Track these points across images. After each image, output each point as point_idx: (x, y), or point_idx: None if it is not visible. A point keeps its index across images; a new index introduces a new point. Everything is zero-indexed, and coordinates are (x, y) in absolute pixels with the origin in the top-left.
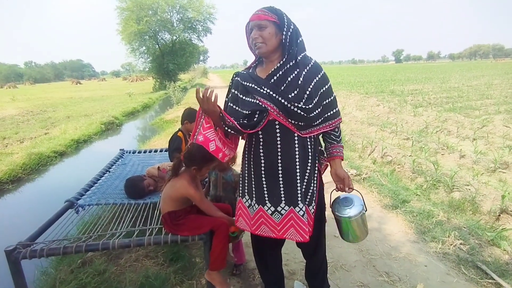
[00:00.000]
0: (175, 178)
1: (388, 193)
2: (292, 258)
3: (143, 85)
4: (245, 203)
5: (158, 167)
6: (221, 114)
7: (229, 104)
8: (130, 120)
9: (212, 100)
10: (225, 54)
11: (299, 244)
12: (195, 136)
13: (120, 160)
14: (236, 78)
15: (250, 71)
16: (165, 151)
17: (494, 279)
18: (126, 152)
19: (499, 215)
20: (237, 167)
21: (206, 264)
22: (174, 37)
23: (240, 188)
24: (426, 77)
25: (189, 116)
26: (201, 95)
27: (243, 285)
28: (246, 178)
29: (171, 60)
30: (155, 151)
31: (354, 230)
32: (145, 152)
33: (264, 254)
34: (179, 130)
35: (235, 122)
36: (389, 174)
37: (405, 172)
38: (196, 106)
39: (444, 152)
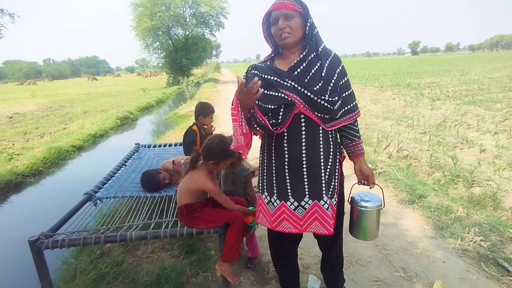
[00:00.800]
0: (193, 171)
1: (405, 188)
2: (307, 252)
3: (157, 80)
4: (264, 199)
5: (173, 160)
6: (252, 111)
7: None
8: (145, 115)
9: (256, 94)
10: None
11: (316, 236)
12: (242, 127)
13: (135, 154)
14: (253, 71)
15: (268, 63)
16: (179, 145)
17: None
18: (142, 146)
19: None
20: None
21: (220, 256)
22: (187, 32)
23: (260, 185)
24: (444, 70)
25: (201, 110)
26: (247, 86)
27: (258, 278)
28: (266, 174)
29: (184, 55)
30: (170, 145)
31: (366, 224)
32: (159, 146)
33: (281, 249)
34: (194, 124)
35: (267, 121)
36: (405, 169)
37: (422, 166)
38: (207, 100)
39: (463, 147)
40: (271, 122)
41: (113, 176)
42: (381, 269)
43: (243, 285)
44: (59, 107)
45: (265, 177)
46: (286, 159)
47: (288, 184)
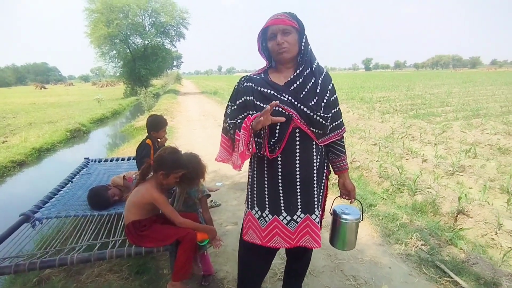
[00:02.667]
0: (141, 184)
1: (356, 198)
2: None
3: (113, 90)
4: (254, 214)
5: (124, 176)
6: (257, 139)
7: (247, 112)
8: (99, 127)
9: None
10: (200, 60)
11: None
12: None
13: (84, 169)
14: (247, 84)
15: (263, 76)
16: (132, 159)
17: (451, 277)
18: (91, 161)
19: (457, 216)
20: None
21: (171, 275)
22: (146, 42)
23: (250, 200)
24: (393, 85)
25: (152, 124)
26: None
27: None
28: (256, 188)
29: (143, 65)
30: (122, 159)
31: (346, 235)
32: (111, 160)
33: (258, 263)
34: (147, 137)
35: (267, 147)
36: (358, 179)
37: (373, 176)
38: (166, 112)
39: (408, 157)
40: (272, 140)
41: (57, 194)
42: (333, 279)
43: None
44: None
45: (255, 192)
46: (280, 173)
47: (282, 198)
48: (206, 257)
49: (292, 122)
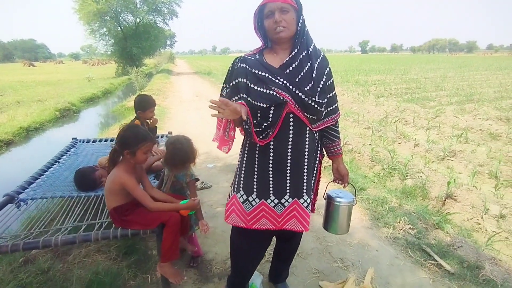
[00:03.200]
0: (113, 170)
1: (350, 182)
2: None
3: (105, 69)
4: (239, 198)
5: (111, 153)
6: (246, 126)
7: (239, 94)
8: (89, 107)
9: (228, 106)
10: (194, 40)
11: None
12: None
13: (72, 149)
14: (241, 65)
15: (258, 57)
16: None
17: (436, 260)
18: (80, 141)
19: (445, 200)
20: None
21: (159, 257)
22: (138, 19)
23: (236, 183)
24: (389, 68)
25: (139, 105)
26: (217, 111)
27: (200, 276)
28: (244, 172)
29: (135, 43)
30: (112, 140)
31: (339, 218)
32: (100, 141)
33: (255, 247)
34: (135, 118)
35: (255, 136)
36: (349, 163)
37: (365, 160)
38: (159, 92)
39: (400, 141)
40: (265, 124)
41: (43, 175)
42: (321, 261)
43: (185, 284)
44: None
45: (242, 176)
46: (271, 157)
47: (271, 181)
48: (194, 238)
49: (286, 107)
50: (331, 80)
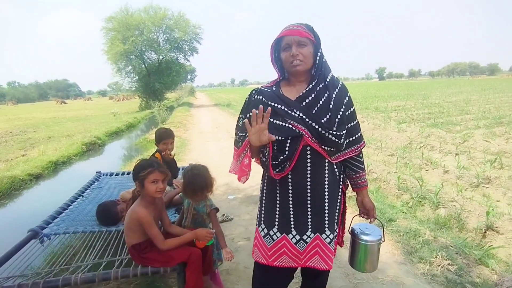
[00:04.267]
0: (132, 206)
1: (377, 217)
2: None
3: (129, 104)
4: (260, 232)
5: (133, 191)
6: (264, 159)
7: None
8: (114, 140)
9: (264, 121)
10: (213, 73)
11: None
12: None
13: (95, 183)
14: (258, 97)
15: (274, 89)
16: None
17: None
18: (103, 175)
19: (485, 232)
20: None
21: None
22: (161, 57)
23: (258, 216)
24: (408, 94)
25: (156, 137)
26: (252, 122)
27: None
28: (265, 205)
29: (158, 79)
30: None
31: (366, 257)
32: (123, 174)
33: (273, 285)
34: (157, 151)
35: (272, 169)
36: (375, 192)
37: (391, 189)
38: (180, 125)
39: (428, 168)
40: (281, 158)
41: (66, 209)
42: None
43: None
44: (21, 132)
45: (263, 208)
46: (290, 191)
47: (292, 216)
48: (217, 275)
49: (303, 140)
50: (351, 109)
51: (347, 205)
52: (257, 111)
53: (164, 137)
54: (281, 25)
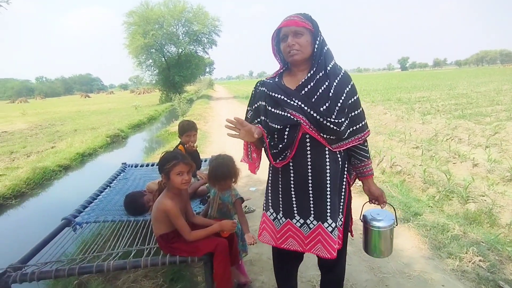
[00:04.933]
0: (159, 197)
1: (399, 206)
2: (300, 276)
3: (150, 97)
4: (269, 216)
5: (159, 181)
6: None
7: (260, 117)
8: (136, 133)
9: (243, 126)
10: (231, 66)
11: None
12: (248, 157)
13: (121, 174)
14: (261, 88)
15: (277, 80)
16: None
17: None
18: (128, 166)
19: None
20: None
21: (207, 286)
22: (180, 50)
23: (265, 202)
24: (433, 84)
25: (179, 129)
26: (232, 131)
27: None
28: (270, 191)
29: (177, 72)
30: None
31: (380, 243)
32: (147, 165)
33: (285, 266)
34: (180, 143)
35: (271, 157)
36: (399, 185)
37: (416, 182)
38: (199, 117)
39: (456, 161)
40: (280, 146)
41: (96, 199)
42: None
43: None
44: (49, 125)
45: (270, 195)
46: (292, 179)
47: (294, 201)
48: (241, 265)
49: (301, 129)
50: (354, 98)
51: (360, 193)
52: (229, 124)
53: (187, 129)
54: (296, 9)
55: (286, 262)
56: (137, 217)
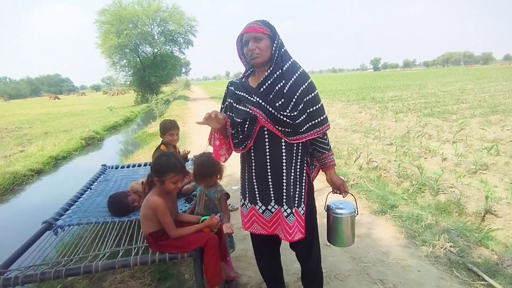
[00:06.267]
0: (147, 195)
1: (377, 199)
2: (286, 269)
3: (124, 98)
4: (240, 201)
5: (142, 182)
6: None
7: (228, 112)
8: (112, 135)
9: (213, 116)
10: (208, 66)
11: (293, 247)
12: (211, 141)
13: (102, 176)
14: (230, 88)
15: (243, 80)
16: (149, 165)
17: (486, 280)
18: (108, 168)
19: (484, 216)
20: (225, 185)
21: (197, 282)
22: (155, 50)
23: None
24: (404, 84)
25: (160, 129)
26: (205, 120)
27: None
28: (241, 180)
29: (153, 72)
30: (139, 165)
31: (343, 230)
32: (128, 167)
33: (263, 250)
34: (162, 143)
35: (231, 141)
36: (376, 180)
37: (391, 177)
38: (177, 118)
39: (427, 156)
40: (240, 137)
41: (77, 201)
42: (360, 283)
43: None
44: (16, 128)
45: (240, 183)
46: (253, 168)
47: (256, 189)
48: (229, 261)
49: (259, 122)
50: (312, 94)
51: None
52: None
53: (170, 128)
54: (273, 18)
55: (263, 246)
56: (122, 217)
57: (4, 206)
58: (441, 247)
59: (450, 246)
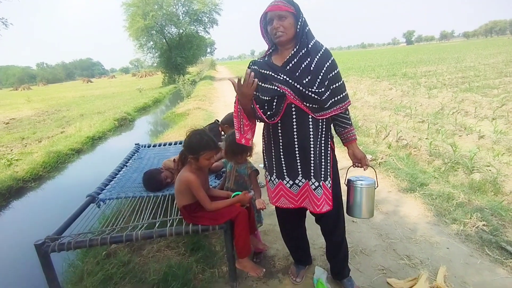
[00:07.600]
0: (181, 171)
1: (405, 177)
2: (312, 244)
3: (152, 80)
4: (266, 177)
5: (174, 159)
6: (252, 106)
7: (255, 92)
8: (142, 115)
9: (254, 85)
10: (232, 45)
11: (318, 221)
12: (241, 139)
13: (136, 154)
14: (253, 67)
15: (266, 59)
16: (179, 143)
17: None
18: (141, 146)
19: None
20: (253, 163)
21: (228, 252)
22: (181, 31)
23: (264, 166)
24: (440, 58)
25: (229, 121)
26: (241, 81)
27: (264, 272)
28: (266, 156)
29: (179, 53)
30: (170, 144)
31: (362, 201)
32: (159, 145)
33: (288, 223)
34: (219, 124)
35: (263, 115)
36: (405, 158)
37: (422, 155)
38: (205, 98)
39: (462, 134)
40: (268, 113)
41: (115, 177)
42: (386, 258)
43: (249, 279)
44: (56, 111)
45: (265, 159)
46: (281, 143)
47: (284, 164)
48: (257, 234)
49: (287, 99)
50: (335, 72)
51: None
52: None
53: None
54: None
55: (288, 219)
56: (156, 192)
57: (51, 181)
58: (473, 226)
59: (483, 225)
